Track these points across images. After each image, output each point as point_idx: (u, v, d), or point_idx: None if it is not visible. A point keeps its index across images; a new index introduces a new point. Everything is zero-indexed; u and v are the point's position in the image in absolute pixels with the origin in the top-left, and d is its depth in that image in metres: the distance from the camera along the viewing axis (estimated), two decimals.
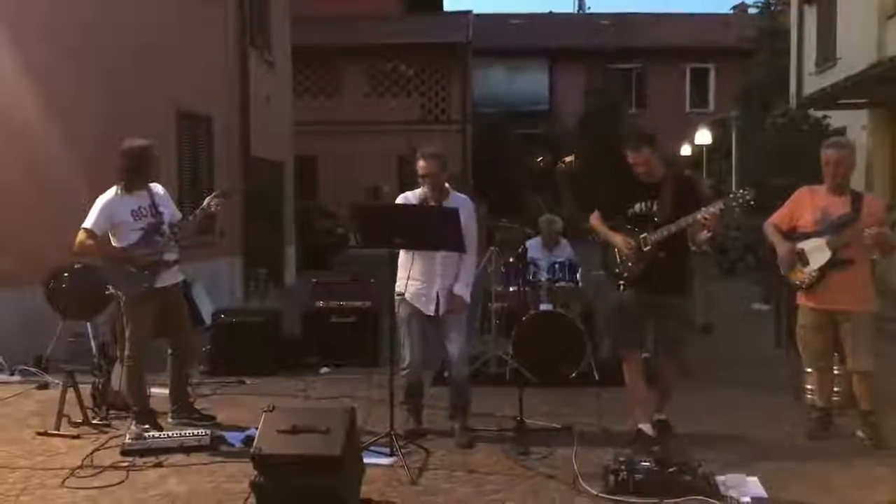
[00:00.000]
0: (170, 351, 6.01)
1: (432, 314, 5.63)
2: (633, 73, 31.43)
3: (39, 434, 5.69)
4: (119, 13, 9.54)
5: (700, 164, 24.70)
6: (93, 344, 7.50)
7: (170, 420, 5.93)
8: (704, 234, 5.30)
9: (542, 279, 7.88)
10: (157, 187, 5.99)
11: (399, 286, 5.69)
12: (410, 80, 25.48)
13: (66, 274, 7.67)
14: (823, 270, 5.40)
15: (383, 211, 6.01)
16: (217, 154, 12.52)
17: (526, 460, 5.18)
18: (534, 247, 8.33)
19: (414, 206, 5.65)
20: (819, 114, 15.82)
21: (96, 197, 5.80)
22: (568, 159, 29.85)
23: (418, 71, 25.44)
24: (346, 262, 16.77)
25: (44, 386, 7.11)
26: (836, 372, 5.85)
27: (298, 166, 17.75)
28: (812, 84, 17.22)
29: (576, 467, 4.91)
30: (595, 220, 5.70)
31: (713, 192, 15.06)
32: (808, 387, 6.17)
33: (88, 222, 5.69)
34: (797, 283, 5.58)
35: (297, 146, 17.57)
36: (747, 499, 4.31)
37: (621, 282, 5.53)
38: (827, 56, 16.84)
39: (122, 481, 4.80)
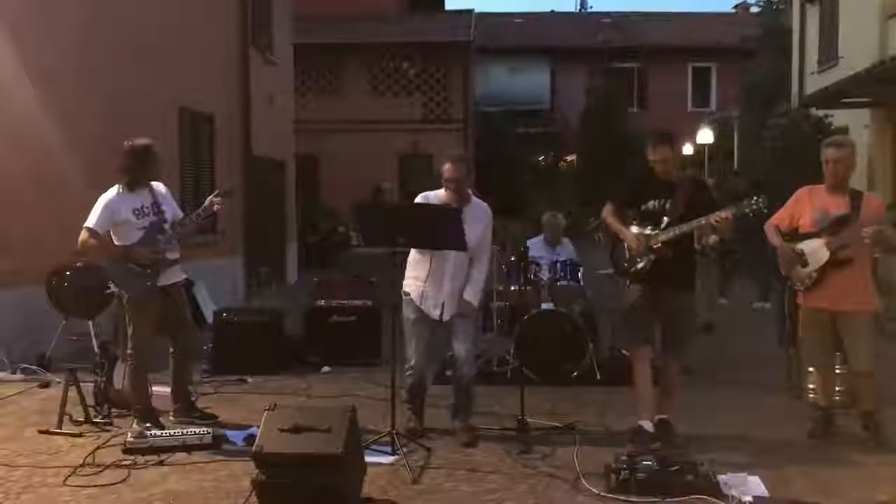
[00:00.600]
0: (172, 350, 6.01)
1: (437, 319, 5.63)
2: (635, 72, 31.39)
3: (41, 432, 5.70)
4: (120, 13, 9.55)
5: (702, 164, 24.70)
6: (95, 342, 7.51)
7: (171, 419, 5.94)
8: (713, 238, 5.33)
9: (544, 278, 7.88)
10: (159, 186, 5.99)
11: (406, 285, 5.69)
12: (412, 79, 25.47)
13: (67, 273, 7.68)
14: (823, 271, 5.40)
15: (386, 210, 6.02)
16: (219, 153, 12.53)
17: (527, 459, 5.18)
18: (535, 245, 8.33)
19: (416, 205, 5.66)
20: (821, 113, 15.81)
21: (98, 196, 5.81)
22: (570, 158, 29.91)
23: (420, 70, 25.43)
24: (347, 261, 16.79)
25: (46, 384, 7.12)
26: (837, 371, 5.85)
27: (300, 165, 17.75)
28: (814, 83, 17.21)
29: (577, 466, 4.92)
30: (607, 213, 5.70)
31: (716, 191, 15.03)
32: (810, 386, 6.17)
33: (91, 221, 5.70)
34: (797, 283, 5.59)
35: (298, 145, 17.58)
36: (749, 498, 4.31)
37: (628, 277, 5.54)
38: (829, 55, 16.83)
39: (124, 480, 4.80)
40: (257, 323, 8.06)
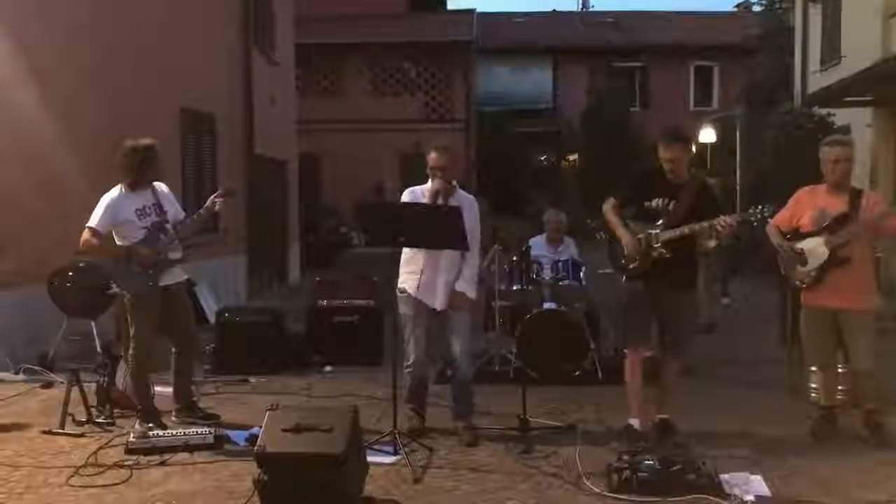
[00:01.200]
0: (174, 350, 6.02)
1: (437, 308, 5.63)
2: (637, 71, 31.35)
3: (44, 432, 5.70)
4: (121, 12, 9.54)
5: (704, 163, 24.67)
6: (97, 343, 7.51)
7: (174, 419, 5.94)
8: (712, 242, 5.32)
9: (546, 277, 7.89)
10: (161, 186, 6.00)
11: (401, 282, 5.70)
12: (414, 78, 25.48)
13: (69, 272, 7.68)
14: (822, 269, 5.40)
15: (388, 210, 6.02)
16: (220, 153, 12.54)
17: (529, 459, 5.18)
18: (537, 245, 8.32)
19: (418, 204, 5.65)
20: (823, 112, 15.79)
21: (99, 197, 5.82)
22: (571, 158, 29.89)
23: (422, 70, 25.44)
24: (350, 261, 16.81)
25: (48, 385, 7.12)
26: (840, 370, 5.84)
27: (302, 165, 17.77)
28: (816, 82, 17.19)
29: (579, 466, 4.92)
30: (609, 207, 5.67)
31: (720, 190, 15.01)
32: (812, 385, 6.17)
33: (93, 221, 5.71)
34: (797, 282, 5.59)
35: (300, 145, 17.60)
36: (751, 497, 4.31)
37: (626, 275, 5.53)
38: (831, 54, 16.80)
39: (126, 480, 4.81)
40: (259, 323, 8.07)
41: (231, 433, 5.56)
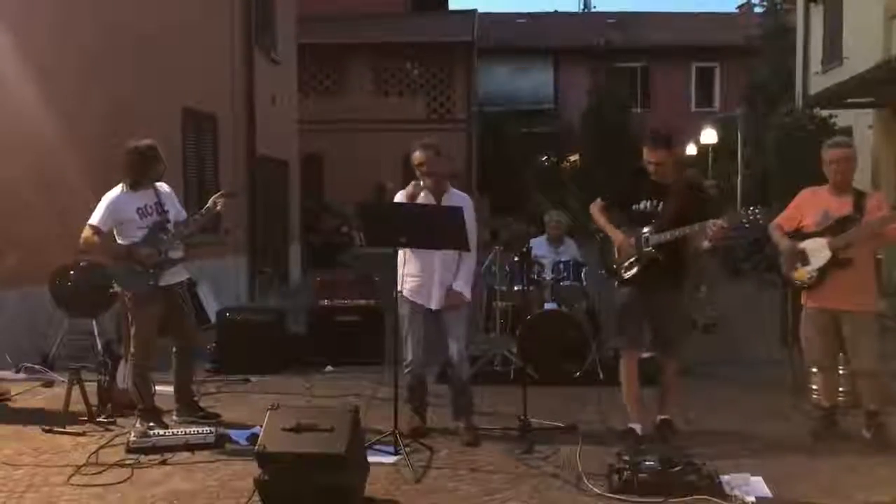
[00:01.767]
0: (175, 349, 6.03)
1: (433, 308, 5.64)
2: (638, 72, 31.35)
3: (45, 431, 5.71)
4: (123, 12, 9.55)
5: (706, 164, 24.67)
6: (98, 342, 7.52)
7: (175, 418, 5.95)
8: (706, 243, 5.32)
9: (547, 278, 7.88)
10: (162, 186, 6.01)
11: (399, 284, 5.70)
12: (415, 78, 25.48)
13: (71, 272, 7.69)
14: (824, 270, 5.40)
15: (389, 210, 6.01)
16: (222, 153, 12.54)
17: (530, 459, 5.19)
18: (538, 245, 8.33)
19: (419, 205, 5.65)
20: (825, 113, 15.79)
21: (100, 196, 5.82)
22: (573, 158, 29.87)
23: (423, 70, 25.44)
24: (351, 261, 16.80)
25: (49, 384, 7.13)
26: (841, 372, 5.84)
27: (303, 165, 17.76)
28: (818, 83, 17.19)
29: (580, 466, 4.92)
30: (596, 208, 5.69)
31: (718, 191, 15.02)
32: (813, 386, 6.17)
33: (94, 219, 5.72)
34: (798, 282, 5.58)
35: (302, 145, 17.59)
36: (751, 498, 4.32)
37: (617, 278, 5.54)
38: (833, 55, 16.80)
39: (127, 479, 4.81)
40: (260, 322, 8.08)
41: (232, 433, 5.56)
